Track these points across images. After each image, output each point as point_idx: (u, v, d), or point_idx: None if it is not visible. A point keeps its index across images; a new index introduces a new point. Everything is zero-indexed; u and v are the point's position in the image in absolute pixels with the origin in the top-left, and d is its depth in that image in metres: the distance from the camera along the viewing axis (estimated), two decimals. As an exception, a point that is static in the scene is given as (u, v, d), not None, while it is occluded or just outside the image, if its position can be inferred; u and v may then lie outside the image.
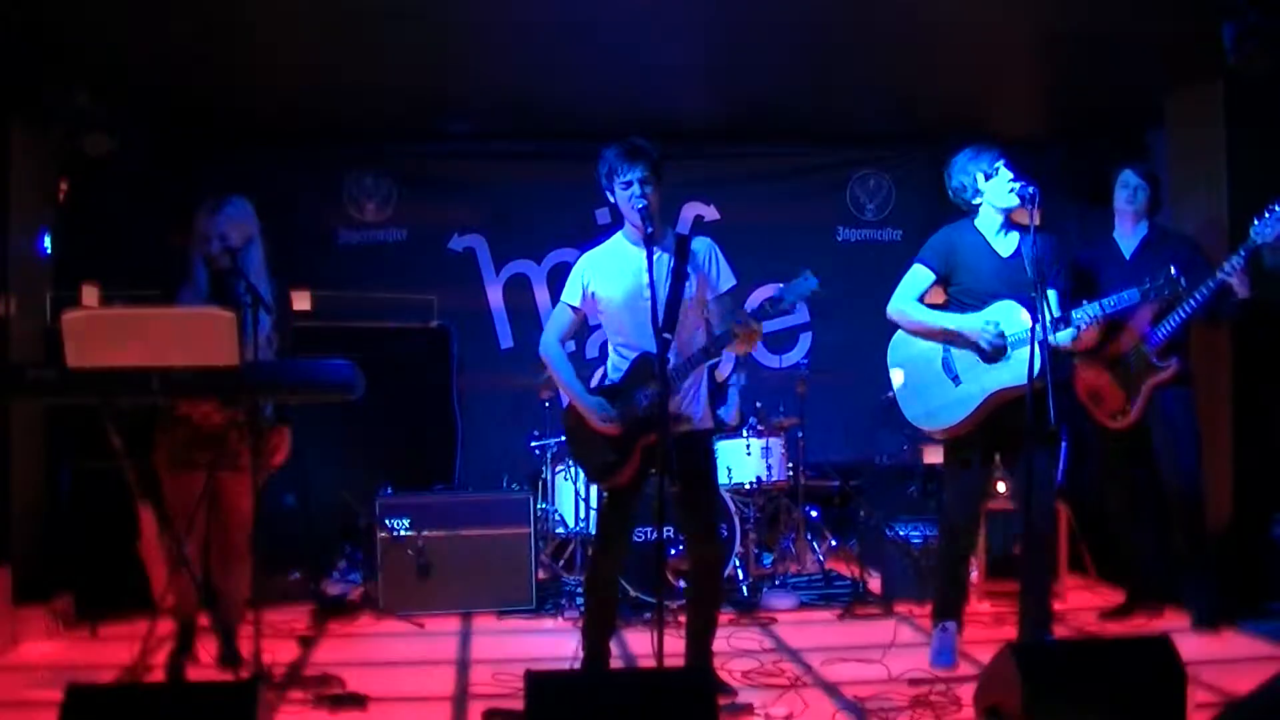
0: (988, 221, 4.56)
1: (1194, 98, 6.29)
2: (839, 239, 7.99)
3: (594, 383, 4.19)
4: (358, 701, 4.05)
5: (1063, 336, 4.35)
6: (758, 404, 6.59)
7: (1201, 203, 5.85)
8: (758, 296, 7.77)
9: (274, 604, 5.60)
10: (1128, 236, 5.23)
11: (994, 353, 4.40)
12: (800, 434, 6.45)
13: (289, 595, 5.83)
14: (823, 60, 6.26)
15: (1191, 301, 4.84)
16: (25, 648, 4.96)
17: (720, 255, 4.09)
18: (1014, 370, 4.36)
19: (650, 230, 3.81)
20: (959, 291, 4.59)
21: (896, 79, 6.57)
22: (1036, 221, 4.11)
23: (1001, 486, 5.91)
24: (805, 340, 7.87)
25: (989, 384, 4.44)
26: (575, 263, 4.18)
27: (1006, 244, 4.53)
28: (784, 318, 7.86)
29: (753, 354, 7.82)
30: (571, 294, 4.12)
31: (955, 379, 4.54)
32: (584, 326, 4.24)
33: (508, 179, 7.72)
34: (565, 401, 4.23)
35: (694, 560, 4.13)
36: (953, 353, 4.55)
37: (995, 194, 4.47)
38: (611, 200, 4.00)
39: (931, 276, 4.59)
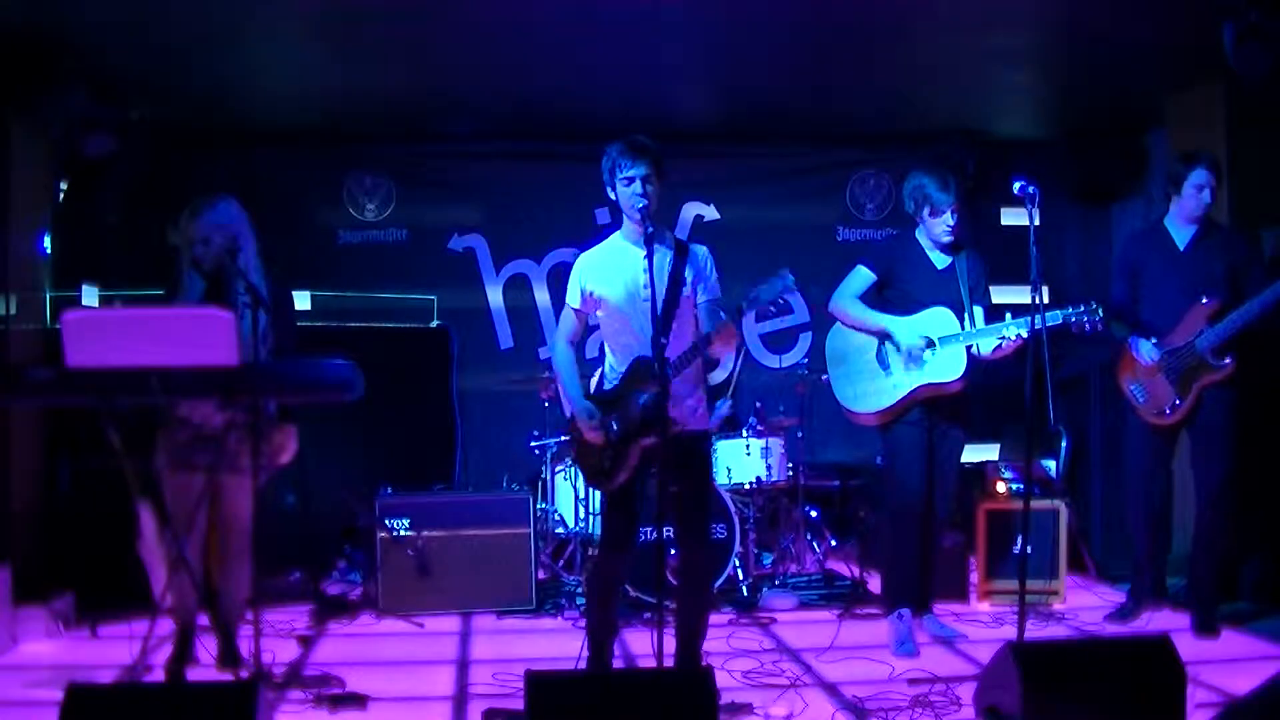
0: (926, 237, 4.96)
1: (1194, 98, 6.30)
2: (839, 239, 7.98)
3: (594, 385, 4.18)
4: (358, 701, 4.05)
5: (985, 346, 4.73)
6: (758, 404, 6.58)
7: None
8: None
9: (274, 604, 5.60)
10: (1182, 227, 5.10)
11: (911, 359, 4.79)
12: (800, 434, 6.45)
13: (289, 595, 5.83)
14: (823, 60, 6.26)
15: (1253, 305, 4.82)
16: (25, 648, 4.95)
17: (714, 266, 4.11)
18: (940, 369, 4.77)
19: (650, 230, 3.81)
20: (895, 295, 4.94)
21: (896, 79, 6.57)
22: (1036, 222, 4.12)
23: (1001, 487, 5.92)
24: (805, 340, 7.87)
25: (917, 378, 4.80)
26: (574, 263, 4.17)
27: (942, 258, 4.94)
28: (784, 317, 7.86)
29: (752, 354, 7.84)
30: (572, 296, 4.12)
31: (887, 369, 4.88)
32: (588, 326, 4.24)
33: (508, 179, 7.72)
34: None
35: (682, 562, 4.12)
36: (888, 345, 4.89)
37: (932, 228, 4.89)
38: (612, 196, 4.00)
39: (872, 278, 4.96)
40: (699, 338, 3.95)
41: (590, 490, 5.94)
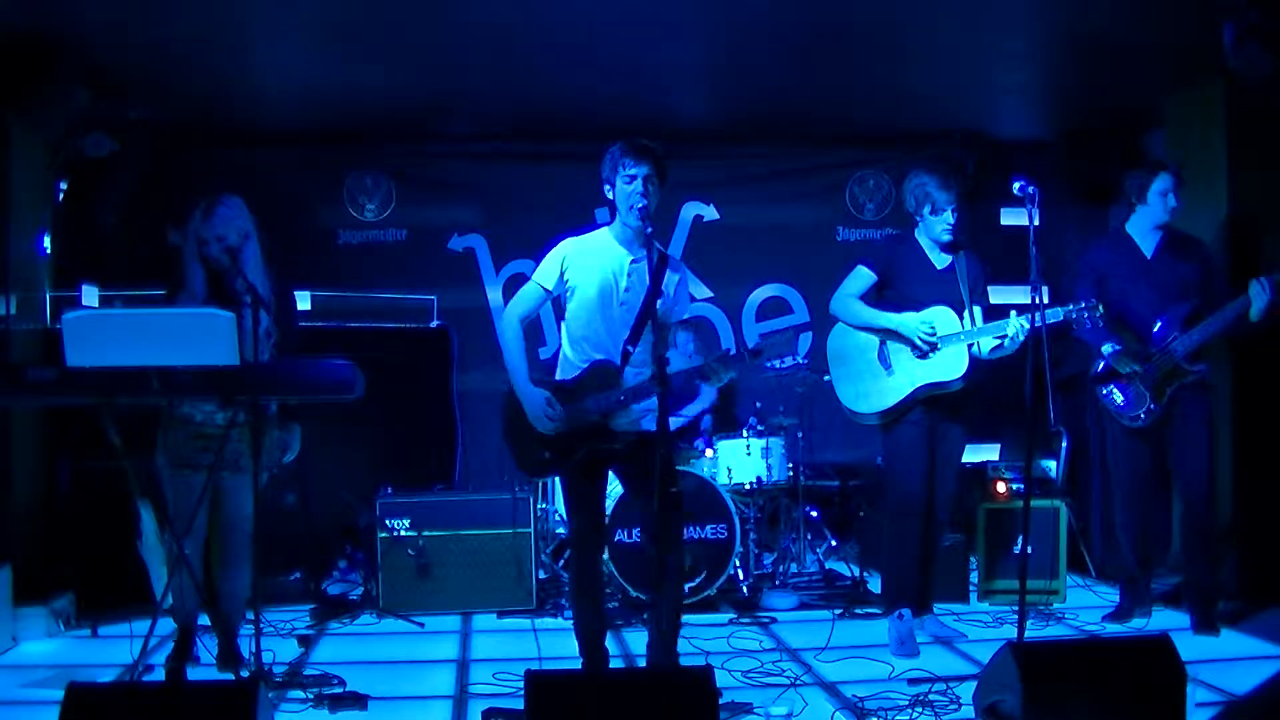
0: (925, 237, 4.95)
1: (1194, 98, 6.29)
2: (839, 239, 7.98)
3: (556, 375, 4.17)
4: (358, 701, 4.05)
5: (986, 345, 4.75)
6: (757, 404, 6.58)
7: (1201, 203, 5.84)
8: (757, 297, 7.83)
9: (274, 604, 5.60)
10: (1146, 234, 5.15)
11: (925, 349, 4.77)
12: (800, 434, 6.45)
13: (289, 595, 5.83)
14: (823, 60, 6.26)
15: (1228, 311, 4.87)
16: (25, 647, 4.96)
17: (688, 284, 4.13)
18: (942, 368, 4.77)
19: (650, 230, 3.81)
20: (894, 295, 4.92)
21: (896, 79, 6.57)
22: (1036, 222, 4.12)
23: (1001, 487, 5.92)
24: (805, 340, 7.86)
25: (918, 378, 4.80)
26: (557, 244, 4.12)
27: (942, 258, 4.94)
28: (784, 317, 7.88)
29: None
30: (546, 275, 4.06)
31: (889, 369, 4.88)
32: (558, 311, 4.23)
33: (508, 179, 7.73)
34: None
35: (659, 562, 4.11)
36: (889, 345, 4.89)
37: (932, 226, 4.88)
38: (610, 195, 3.99)
39: (873, 278, 4.95)
40: (689, 371, 3.99)
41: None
